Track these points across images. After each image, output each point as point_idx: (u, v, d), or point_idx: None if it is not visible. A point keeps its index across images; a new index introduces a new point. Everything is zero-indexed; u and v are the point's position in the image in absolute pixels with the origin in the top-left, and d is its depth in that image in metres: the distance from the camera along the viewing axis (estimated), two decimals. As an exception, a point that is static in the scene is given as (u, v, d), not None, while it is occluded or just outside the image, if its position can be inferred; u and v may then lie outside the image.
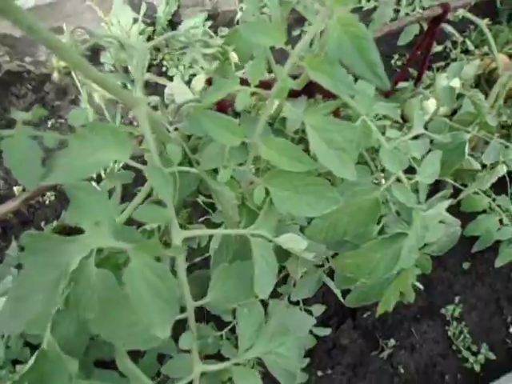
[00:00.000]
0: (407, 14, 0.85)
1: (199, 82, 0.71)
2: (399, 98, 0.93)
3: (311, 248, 0.59)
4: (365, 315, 1.43)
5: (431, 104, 0.88)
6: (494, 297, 1.48)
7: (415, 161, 0.73)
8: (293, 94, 0.71)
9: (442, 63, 1.74)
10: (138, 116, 0.48)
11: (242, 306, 0.45)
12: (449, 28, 1.71)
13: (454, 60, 1.73)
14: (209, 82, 0.69)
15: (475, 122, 0.92)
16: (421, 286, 0.92)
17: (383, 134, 0.81)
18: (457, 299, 1.47)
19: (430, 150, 1.08)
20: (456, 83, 0.87)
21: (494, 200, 1.20)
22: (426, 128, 0.97)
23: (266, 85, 0.46)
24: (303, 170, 0.43)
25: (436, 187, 1.60)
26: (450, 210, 1.41)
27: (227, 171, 0.46)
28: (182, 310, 0.54)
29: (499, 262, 1.15)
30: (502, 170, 0.95)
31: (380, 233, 0.78)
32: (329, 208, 0.48)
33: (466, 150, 0.89)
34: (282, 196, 0.46)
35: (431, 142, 1.03)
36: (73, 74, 1.48)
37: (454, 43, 1.79)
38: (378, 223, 0.80)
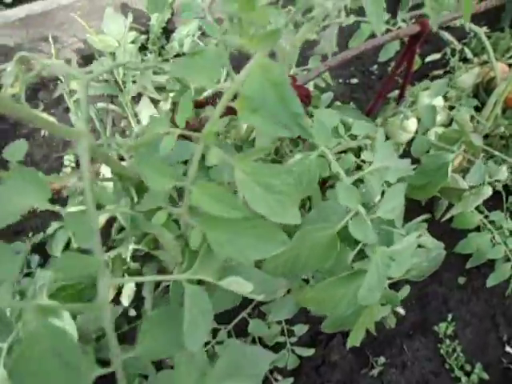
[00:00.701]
0: (388, 31, 0.82)
1: (164, 106, 0.69)
2: (382, 116, 0.90)
3: (268, 284, 0.57)
4: (355, 331, 1.40)
5: (412, 123, 0.84)
6: (489, 313, 1.43)
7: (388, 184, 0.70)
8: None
9: (441, 71, 1.69)
10: (78, 151, 0.47)
11: (181, 354, 0.43)
12: (447, 35, 1.66)
13: (453, 68, 1.68)
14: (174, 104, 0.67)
15: (461, 140, 0.88)
16: (402, 312, 0.89)
17: (358, 156, 0.78)
18: (451, 315, 1.43)
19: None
20: (439, 101, 0.83)
21: (486, 217, 1.16)
22: (409, 146, 0.95)
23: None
24: (235, 217, 0.41)
25: (431, 199, 1.56)
26: (442, 225, 1.36)
27: (163, 213, 0.44)
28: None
29: (491, 282, 1.11)
30: (488, 192, 0.91)
31: (357, 255, 0.75)
32: (275, 250, 0.46)
33: (449, 170, 0.85)
34: (220, 240, 0.43)
35: (416, 160, 0.99)
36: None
37: (454, 50, 1.74)
38: (355, 246, 0.77)
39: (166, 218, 0.44)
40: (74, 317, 0.70)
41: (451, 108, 1.34)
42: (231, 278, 0.44)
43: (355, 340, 0.62)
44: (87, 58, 1.83)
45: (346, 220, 0.55)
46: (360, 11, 1.19)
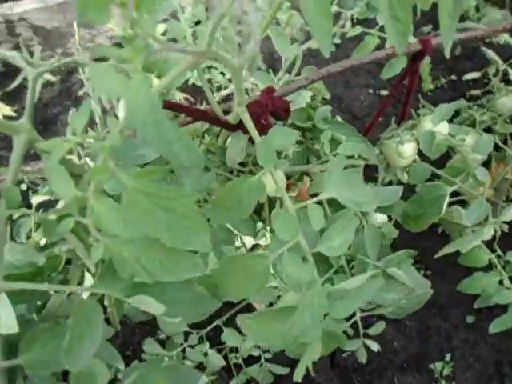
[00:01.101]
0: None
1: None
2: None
3: (201, 304, 0.54)
4: (345, 355, 1.33)
5: (408, 149, 0.77)
6: (495, 359, 1.32)
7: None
8: (230, 128, 0.66)
9: (479, 91, 1.57)
10: (14, 144, 0.46)
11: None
12: (490, 53, 1.54)
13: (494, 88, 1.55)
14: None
15: (466, 172, 0.80)
16: (375, 349, 0.83)
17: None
18: (451, 354, 1.33)
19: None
20: (443, 128, 0.76)
21: (499, 257, 1.05)
22: (407, 172, 0.87)
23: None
24: (129, 237, 0.39)
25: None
26: (451, 256, 1.26)
27: (69, 221, 0.43)
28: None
29: (494, 328, 1.02)
30: (489, 232, 0.82)
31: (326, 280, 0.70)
32: (189, 274, 0.43)
33: (445, 204, 0.78)
34: (126, 256, 0.41)
35: (414, 186, 0.91)
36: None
37: (497, 70, 1.61)
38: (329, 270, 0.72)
39: (76, 226, 0.43)
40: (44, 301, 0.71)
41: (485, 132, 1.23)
42: (140, 296, 0.42)
43: (298, 376, 0.58)
44: (121, 45, 1.87)
45: (280, 252, 0.51)
46: (366, 22, 1.11)
